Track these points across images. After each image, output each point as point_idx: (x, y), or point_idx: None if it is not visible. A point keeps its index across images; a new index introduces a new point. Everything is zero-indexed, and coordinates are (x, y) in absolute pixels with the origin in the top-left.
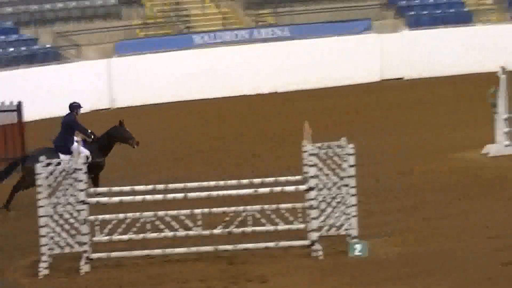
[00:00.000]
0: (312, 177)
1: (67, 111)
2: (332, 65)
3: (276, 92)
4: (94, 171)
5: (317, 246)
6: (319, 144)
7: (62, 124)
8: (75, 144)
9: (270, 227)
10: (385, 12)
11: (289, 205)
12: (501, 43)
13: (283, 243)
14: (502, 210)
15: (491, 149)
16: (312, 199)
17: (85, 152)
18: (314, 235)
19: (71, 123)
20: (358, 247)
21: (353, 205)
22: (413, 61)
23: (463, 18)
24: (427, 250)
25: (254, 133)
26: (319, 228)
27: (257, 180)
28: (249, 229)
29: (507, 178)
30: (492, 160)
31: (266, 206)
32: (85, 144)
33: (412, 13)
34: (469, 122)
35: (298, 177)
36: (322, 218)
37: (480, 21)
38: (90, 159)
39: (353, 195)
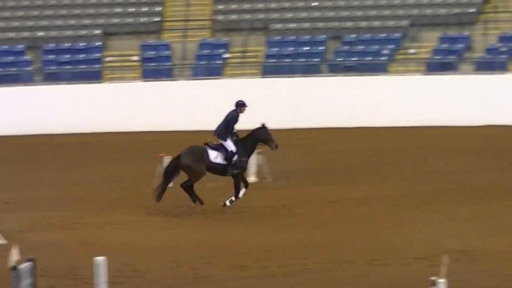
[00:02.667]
0: None
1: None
2: None
3: None
4: (237, 170)
5: None
6: None
7: (225, 118)
8: (229, 140)
9: None
10: None
11: None
12: None
13: None
14: None
15: None
16: None
17: (233, 148)
18: None
19: (232, 119)
20: None
21: None
22: None
23: None
24: None
25: None
26: None
27: None
28: None
29: None
30: None
31: None
32: (235, 143)
33: None
34: None
35: None
36: None
37: None
38: (236, 157)
39: None
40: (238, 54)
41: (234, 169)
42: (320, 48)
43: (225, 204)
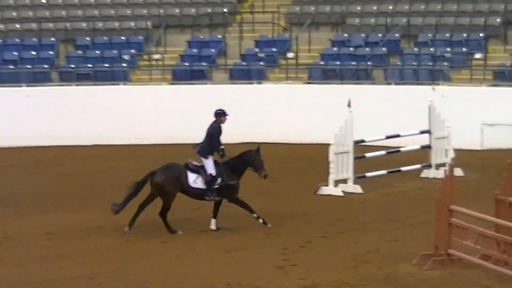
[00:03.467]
0: None
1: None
2: None
3: None
4: (227, 194)
5: None
6: None
7: (206, 132)
8: (210, 159)
9: None
10: None
11: None
12: None
13: None
14: None
15: None
16: None
17: (213, 172)
18: None
19: (214, 132)
20: None
21: None
22: None
23: None
24: None
25: None
26: None
27: None
28: None
29: None
30: None
31: None
32: (218, 165)
33: None
34: None
35: None
36: None
37: None
38: (219, 180)
39: None
40: None
41: (214, 195)
42: (49, 52)
43: (265, 223)
